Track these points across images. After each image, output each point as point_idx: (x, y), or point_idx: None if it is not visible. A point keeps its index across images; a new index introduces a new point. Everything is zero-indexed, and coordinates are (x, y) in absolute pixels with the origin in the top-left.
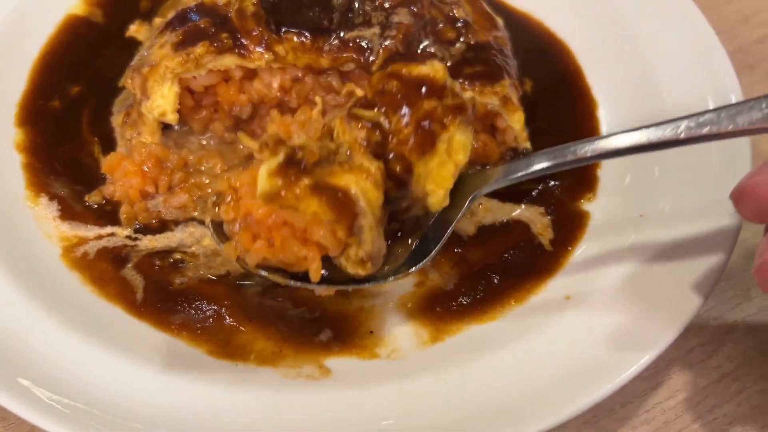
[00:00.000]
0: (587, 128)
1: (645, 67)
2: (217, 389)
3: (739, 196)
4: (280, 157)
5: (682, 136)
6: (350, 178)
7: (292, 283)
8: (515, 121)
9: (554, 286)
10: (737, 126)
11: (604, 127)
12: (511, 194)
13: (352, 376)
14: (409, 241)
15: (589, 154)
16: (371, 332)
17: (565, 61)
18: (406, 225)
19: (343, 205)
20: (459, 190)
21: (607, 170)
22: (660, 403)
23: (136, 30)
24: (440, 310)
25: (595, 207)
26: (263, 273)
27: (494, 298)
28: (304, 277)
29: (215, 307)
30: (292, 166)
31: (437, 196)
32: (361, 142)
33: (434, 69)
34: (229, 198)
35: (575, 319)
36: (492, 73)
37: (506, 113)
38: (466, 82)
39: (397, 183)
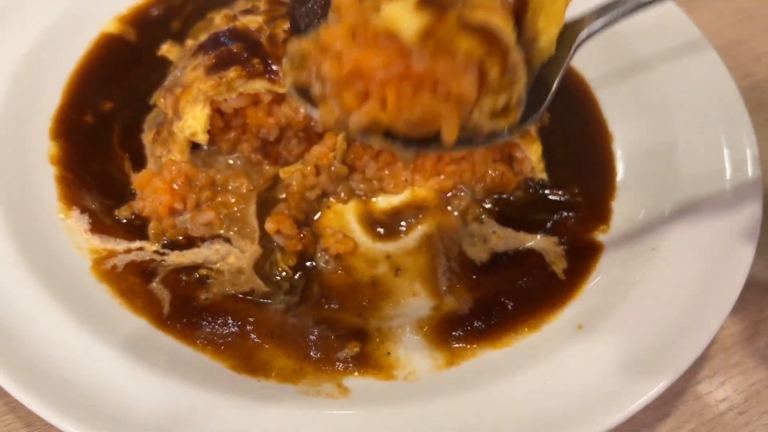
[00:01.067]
0: (602, 161)
1: (659, 101)
2: (239, 404)
3: None
4: None
5: None
6: (485, 12)
7: (409, 152)
8: (533, 153)
9: (567, 315)
10: None
11: (619, 161)
12: (526, 224)
13: (370, 396)
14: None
15: None
16: (388, 353)
17: (581, 93)
18: None
19: (492, 40)
20: (559, 41)
21: (621, 203)
22: None
23: (167, 50)
24: (456, 334)
25: (609, 239)
26: (373, 139)
27: (508, 325)
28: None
29: (239, 324)
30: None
31: (549, 36)
32: None
33: None
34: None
35: (587, 347)
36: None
37: (524, 145)
38: None
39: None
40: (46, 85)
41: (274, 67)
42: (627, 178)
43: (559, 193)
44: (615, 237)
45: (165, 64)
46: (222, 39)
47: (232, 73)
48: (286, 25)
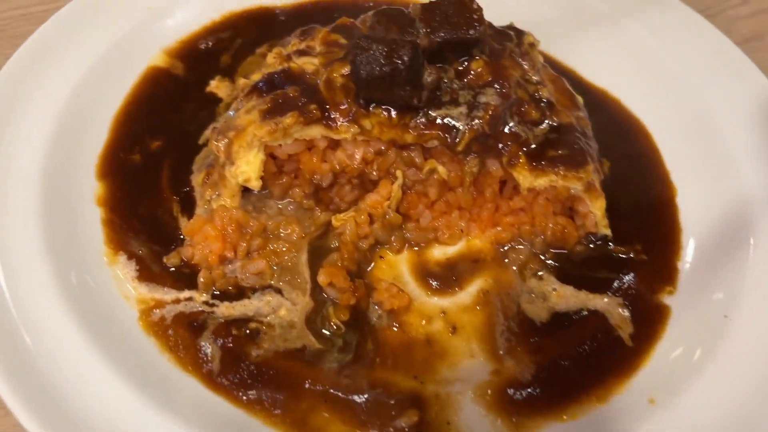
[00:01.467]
0: (666, 216)
1: (726, 153)
2: None
3: None
4: None
5: None
6: None
7: None
8: (597, 208)
9: (636, 386)
10: None
11: (683, 216)
12: (587, 282)
13: None
14: None
15: None
16: (448, 423)
17: (643, 142)
18: None
19: None
20: None
21: (687, 263)
22: None
23: (216, 86)
24: (518, 402)
25: (676, 302)
26: None
27: (573, 394)
28: None
29: (291, 384)
30: None
31: None
32: None
33: None
34: None
35: (660, 428)
36: (576, 158)
37: (589, 199)
38: (550, 164)
39: None
40: (93, 121)
41: (332, 113)
42: (693, 236)
43: (623, 250)
44: (683, 300)
45: (214, 101)
46: (277, 81)
47: (289, 119)
48: (344, 70)
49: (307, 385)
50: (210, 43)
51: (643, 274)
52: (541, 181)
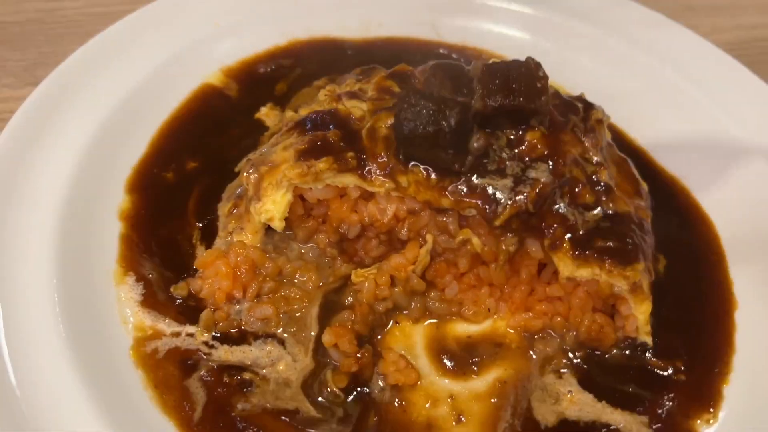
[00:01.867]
0: (719, 332)
1: None
2: None
3: None
4: None
5: None
6: None
7: None
8: (641, 312)
9: None
10: None
11: (740, 335)
12: (611, 393)
13: None
14: None
15: None
16: None
17: (709, 244)
18: None
19: None
20: None
21: (736, 391)
22: None
23: (266, 113)
24: None
25: None
26: None
27: None
28: None
29: None
30: None
31: None
32: None
33: None
34: None
35: None
36: (626, 253)
37: (633, 301)
38: (596, 256)
39: None
40: (135, 131)
41: (368, 164)
42: (748, 360)
43: (661, 365)
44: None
45: (260, 128)
46: (321, 121)
47: (322, 163)
48: (390, 121)
49: None
50: (270, 69)
51: (681, 396)
52: (584, 272)
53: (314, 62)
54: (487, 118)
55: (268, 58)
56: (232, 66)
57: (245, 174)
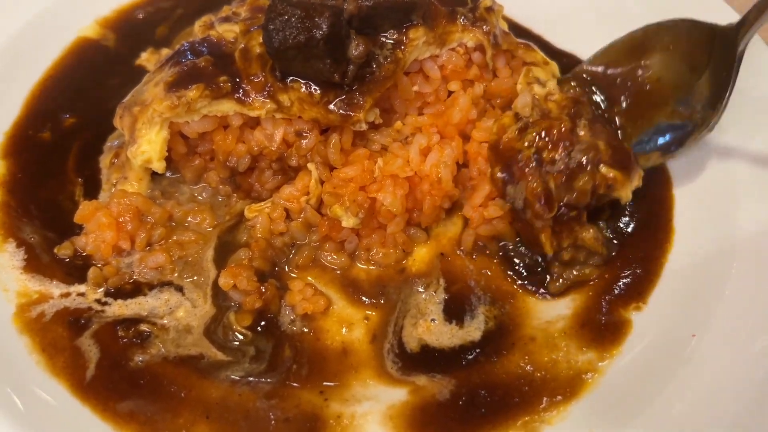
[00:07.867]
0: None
1: None
2: None
3: None
4: None
5: None
6: None
7: None
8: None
9: (574, 415)
10: None
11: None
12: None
13: None
14: None
15: None
16: None
17: None
18: None
19: None
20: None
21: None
22: None
23: (147, 58)
24: (432, 428)
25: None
26: None
27: (497, 419)
28: None
29: (171, 396)
30: None
31: None
32: None
33: None
34: None
35: None
36: None
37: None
38: None
39: None
40: (7, 95)
41: (244, 87)
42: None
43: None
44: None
45: (142, 75)
46: (191, 51)
47: (192, 92)
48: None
49: (188, 399)
50: (149, 13)
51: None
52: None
53: (195, 1)
54: (364, 20)
55: (146, 2)
56: (108, 16)
57: (118, 119)
